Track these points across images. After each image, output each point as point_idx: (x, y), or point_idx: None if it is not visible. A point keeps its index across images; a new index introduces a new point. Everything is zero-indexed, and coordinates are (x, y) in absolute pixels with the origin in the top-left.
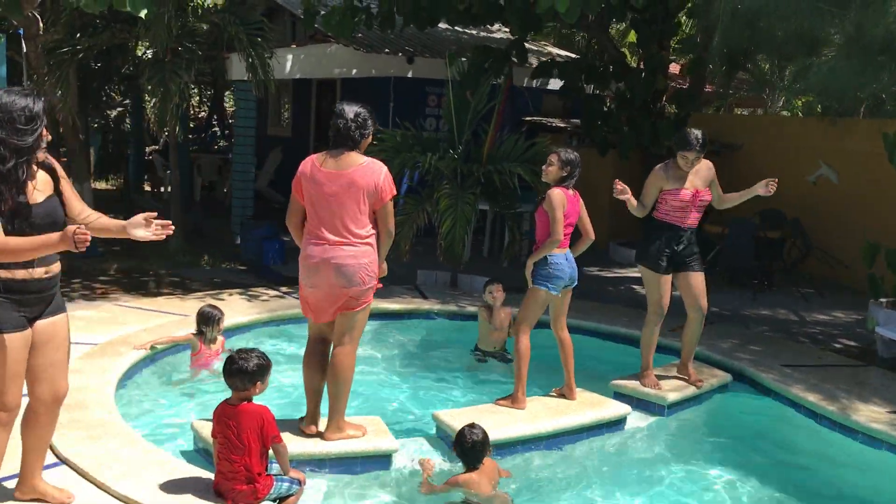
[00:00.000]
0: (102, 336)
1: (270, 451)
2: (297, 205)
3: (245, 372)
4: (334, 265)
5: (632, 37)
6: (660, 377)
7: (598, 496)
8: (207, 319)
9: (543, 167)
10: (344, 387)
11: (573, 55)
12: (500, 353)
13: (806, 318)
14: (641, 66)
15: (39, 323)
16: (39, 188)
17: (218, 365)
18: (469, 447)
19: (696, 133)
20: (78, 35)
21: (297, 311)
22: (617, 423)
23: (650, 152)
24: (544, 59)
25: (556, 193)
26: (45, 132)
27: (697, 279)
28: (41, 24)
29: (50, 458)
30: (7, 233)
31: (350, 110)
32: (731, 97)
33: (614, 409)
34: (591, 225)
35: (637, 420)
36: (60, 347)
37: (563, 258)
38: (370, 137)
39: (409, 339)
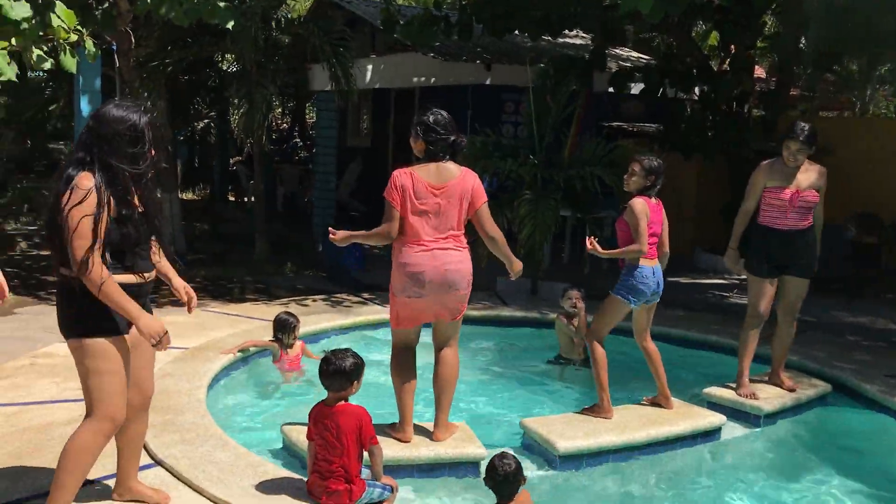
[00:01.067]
0: (192, 341)
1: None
2: (397, 214)
3: (342, 372)
4: (445, 271)
5: (713, 39)
6: (753, 386)
7: None
8: (284, 326)
9: (625, 176)
10: (452, 387)
11: (652, 59)
12: (585, 359)
13: None
14: (726, 68)
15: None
16: (140, 201)
17: (301, 370)
18: (501, 479)
19: (804, 124)
20: (168, 48)
21: (379, 317)
22: (711, 434)
23: (736, 156)
24: (625, 63)
25: (639, 203)
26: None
27: (792, 284)
28: (133, 40)
29: (145, 459)
30: (132, 238)
31: (443, 120)
32: (817, 99)
33: (709, 419)
34: (668, 238)
35: (732, 430)
36: (150, 350)
37: (650, 271)
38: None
39: (491, 346)
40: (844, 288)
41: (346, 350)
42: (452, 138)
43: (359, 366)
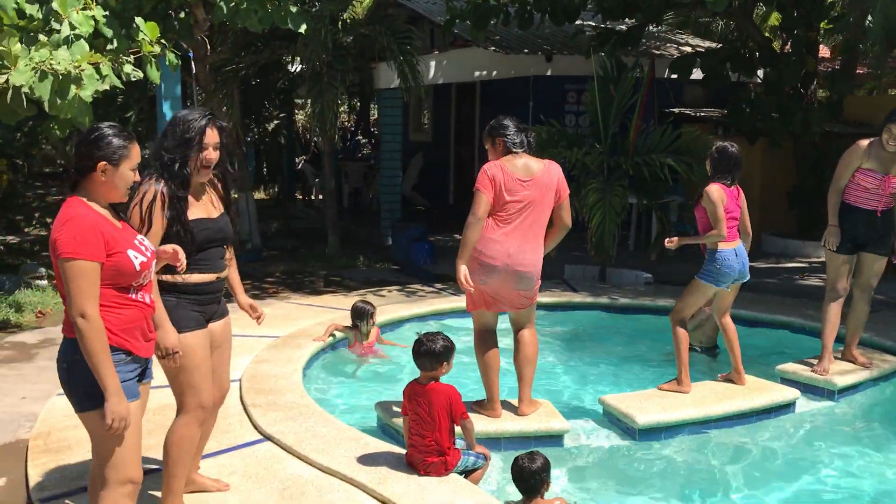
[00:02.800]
0: (281, 330)
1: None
2: (488, 202)
3: (432, 353)
4: (517, 269)
5: (773, 20)
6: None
7: (767, 479)
8: (361, 313)
9: (707, 163)
10: (533, 364)
11: (712, 44)
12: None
13: None
14: (788, 50)
15: (213, 325)
16: (215, 205)
17: (377, 354)
18: (528, 475)
19: None
20: (241, 53)
21: (455, 305)
22: (786, 408)
23: (802, 139)
24: (685, 48)
25: (714, 189)
26: (211, 152)
27: (870, 261)
28: (209, 46)
29: (254, 435)
30: (183, 240)
31: (509, 121)
32: (886, 77)
33: (783, 393)
34: (749, 221)
35: (806, 405)
36: (227, 348)
37: (731, 253)
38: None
39: (562, 331)
40: None
41: (438, 333)
42: (524, 133)
43: (448, 348)
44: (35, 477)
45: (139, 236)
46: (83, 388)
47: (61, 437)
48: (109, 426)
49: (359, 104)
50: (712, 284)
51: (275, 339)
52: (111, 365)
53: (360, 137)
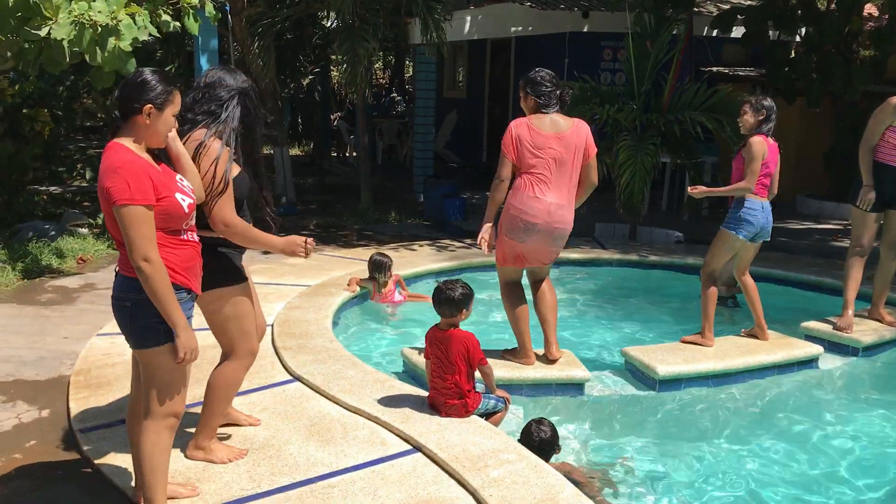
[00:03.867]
0: (313, 280)
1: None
2: (510, 164)
3: (452, 300)
4: (555, 227)
5: None
6: (853, 319)
7: (783, 432)
8: (379, 266)
9: (739, 119)
10: (556, 311)
11: (753, 2)
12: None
13: None
14: (833, 8)
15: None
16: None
17: (398, 303)
18: (535, 445)
19: None
20: (277, 7)
21: (484, 259)
22: (808, 363)
23: (842, 99)
24: (724, 6)
25: (757, 142)
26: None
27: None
28: (245, 0)
29: (284, 375)
30: (252, 193)
31: (547, 76)
32: None
33: (806, 348)
34: (777, 180)
35: (830, 362)
36: (255, 291)
37: (759, 205)
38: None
39: (591, 287)
40: None
41: (457, 281)
42: (559, 91)
43: (467, 295)
44: (76, 409)
45: (178, 176)
46: (147, 326)
47: (100, 374)
48: (182, 358)
49: (393, 60)
50: (734, 233)
51: (307, 288)
52: (177, 302)
53: (394, 94)
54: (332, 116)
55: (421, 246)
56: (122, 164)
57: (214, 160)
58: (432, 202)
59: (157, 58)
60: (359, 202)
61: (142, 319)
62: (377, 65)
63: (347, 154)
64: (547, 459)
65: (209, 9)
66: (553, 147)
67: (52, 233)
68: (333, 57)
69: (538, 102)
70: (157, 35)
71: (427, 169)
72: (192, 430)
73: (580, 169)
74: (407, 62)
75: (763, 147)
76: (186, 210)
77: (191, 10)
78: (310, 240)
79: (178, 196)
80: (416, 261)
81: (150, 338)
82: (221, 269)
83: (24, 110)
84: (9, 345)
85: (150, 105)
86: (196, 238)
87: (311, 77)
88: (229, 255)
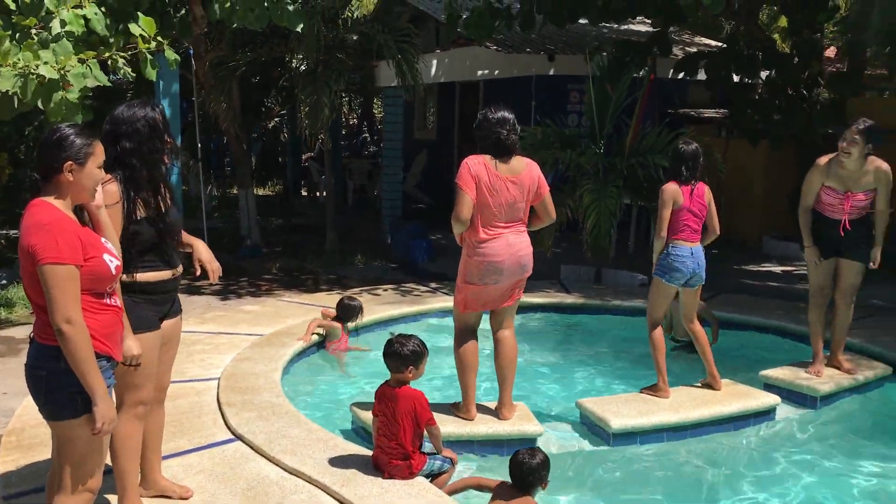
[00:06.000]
0: (267, 328)
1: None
2: (471, 202)
3: (399, 355)
4: (519, 256)
5: (782, 21)
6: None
7: (742, 486)
8: (349, 311)
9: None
10: (514, 366)
11: (720, 43)
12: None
13: None
14: (793, 52)
15: (166, 322)
16: (164, 200)
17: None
18: (527, 472)
19: (862, 119)
20: (240, 51)
21: (445, 305)
22: (765, 414)
23: (803, 141)
24: (690, 49)
25: (668, 189)
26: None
27: (847, 268)
28: (208, 43)
29: (226, 434)
30: (151, 239)
31: (508, 119)
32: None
33: (762, 399)
34: (717, 220)
35: (788, 411)
36: (174, 346)
37: (687, 252)
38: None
39: (552, 332)
40: None
41: (411, 336)
42: (496, 136)
43: (418, 353)
44: (2, 472)
45: (103, 239)
46: (64, 397)
47: (34, 434)
48: (99, 429)
49: (362, 101)
50: (664, 280)
51: (260, 337)
52: (97, 369)
53: (365, 135)
54: (303, 156)
55: (385, 290)
56: (50, 221)
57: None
58: (399, 244)
59: (127, 97)
60: (325, 244)
61: (58, 390)
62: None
63: (318, 194)
64: (533, 490)
65: (169, 55)
66: (510, 190)
67: (3, 281)
68: (302, 98)
69: (497, 146)
70: (107, 83)
71: (396, 210)
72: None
73: (530, 206)
74: (376, 102)
75: (674, 193)
76: (113, 272)
77: (147, 56)
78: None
79: (106, 257)
80: (378, 308)
81: (67, 409)
82: (129, 311)
83: None
84: None
85: (70, 162)
86: (119, 303)
87: (277, 119)
88: (140, 300)
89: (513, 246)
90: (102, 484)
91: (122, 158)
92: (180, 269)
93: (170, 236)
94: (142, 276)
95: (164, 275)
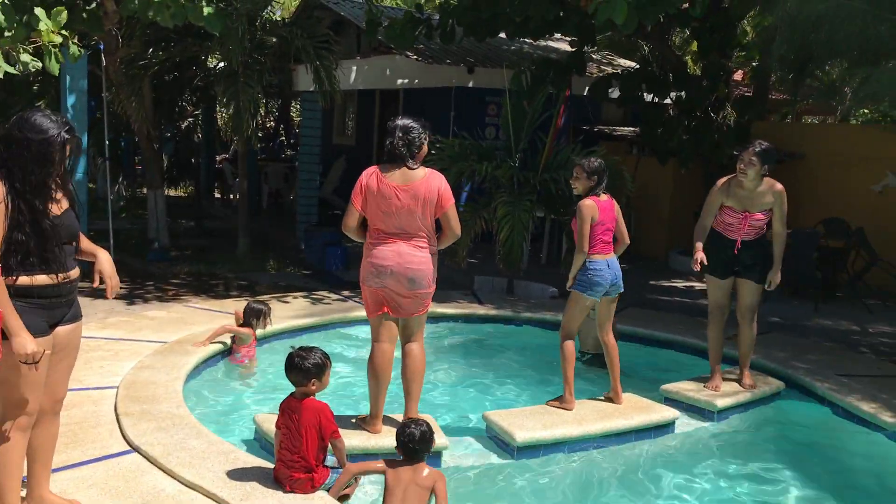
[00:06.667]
0: (172, 335)
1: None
2: (357, 213)
3: (300, 369)
4: (409, 268)
5: (695, 45)
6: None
7: (643, 498)
8: (257, 314)
9: (572, 181)
10: (420, 378)
11: (636, 64)
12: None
13: (869, 330)
14: (703, 74)
15: (60, 329)
16: (59, 201)
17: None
18: (410, 442)
19: (759, 142)
20: (152, 49)
21: (358, 313)
22: (664, 428)
23: (710, 161)
24: (606, 68)
25: (585, 205)
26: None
27: (745, 287)
28: (120, 39)
29: (122, 445)
30: (33, 242)
31: (399, 127)
32: (798, 105)
33: (662, 413)
34: (626, 229)
35: (686, 425)
36: (70, 354)
37: (604, 264)
38: (425, 149)
39: (463, 343)
40: (812, 291)
41: (313, 348)
42: (387, 144)
43: (320, 365)
44: None
45: None
46: None
47: None
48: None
49: (279, 103)
50: (584, 294)
51: (162, 345)
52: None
53: (282, 138)
54: (217, 158)
55: (295, 298)
56: None
57: None
58: (313, 250)
59: (33, 90)
60: (236, 249)
61: None
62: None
63: (232, 197)
64: (414, 457)
65: (73, 49)
66: (401, 198)
67: None
68: (222, 100)
69: (388, 154)
70: (13, 71)
71: (311, 216)
72: None
73: (434, 218)
74: (293, 106)
75: (592, 209)
76: None
77: (53, 50)
78: (39, 353)
79: None
80: (286, 315)
81: None
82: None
83: None
84: None
85: None
86: None
87: (191, 119)
88: (27, 304)
89: (403, 256)
90: None
91: (7, 162)
92: (72, 274)
93: (56, 240)
94: (22, 280)
95: (46, 279)
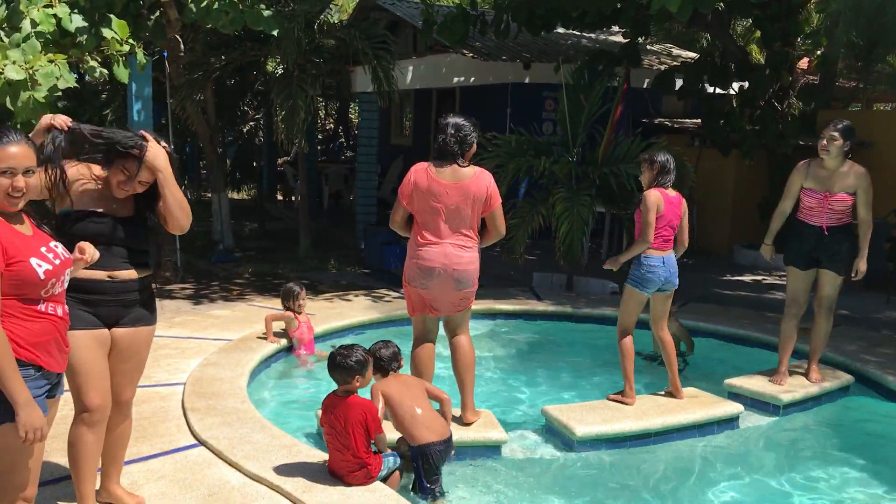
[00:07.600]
0: (236, 333)
1: None
2: (403, 210)
3: (343, 367)
4: (455, 269)
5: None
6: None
7: (704, 493)
8: (287, 294)
9: (640, 177)
10: (472, 370)
11: (695, 55)
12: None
13: None
14: (766, 63)
15: (117, 331)
16: (123, 204)
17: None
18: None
19: (840, 120)
20: (214, 54)
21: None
22: (728, 422)
23: (774, 152)
24: (665, 60)
25: (652, 194)
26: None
27: (827, 278)
28: (182, 46)
29: (189, 439)
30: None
31: (451, 125)
32: (868, 92)
33: (724, 408)
34: (688, 233)
35: (751, 420)
36: (132, 358)
37: (658, 261)
38: (474, 147)
39: (521, 339)
40: (884, 283)
41: (354, 346)
42: (438, 141)
43: (362, 362)
44: None
45: (52, 243)
46: None
47: None
48: (24, 438)
49: (338, 105)
50: (637, 289)
51: (227, 342)
52: (20, 377)
53: (342, 140)
54: (279, 161)
55: (356, 296)
56: None
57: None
58: (372, 249)
59: (101, 99)
60: (298, 249)
61: None
62: (321, 112)
63: (293, 198)
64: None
65: (139, 57)
66: (450, 195)
67: None
68: (274, 102)
69: (437, 152)
70: (75, 85)
71: (370, 216)
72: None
73: (480, 216)
74: (352, 108)
75: (658, 199)
76: (42, 276)
77: (120, 58)
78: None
79: (34, 261)
80: (346, 312)
81: None
82: None
83: None
84: None
85: None
86: (61, 311)
87: (251, 123)
88: (69, 297)
89: (449, 257)
90: (59, 491)
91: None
92: (120, 274)
93: (100, 239)
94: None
95: (97, 274)
